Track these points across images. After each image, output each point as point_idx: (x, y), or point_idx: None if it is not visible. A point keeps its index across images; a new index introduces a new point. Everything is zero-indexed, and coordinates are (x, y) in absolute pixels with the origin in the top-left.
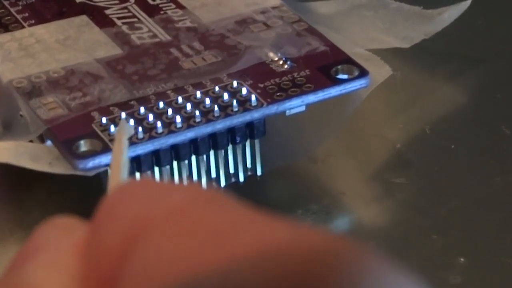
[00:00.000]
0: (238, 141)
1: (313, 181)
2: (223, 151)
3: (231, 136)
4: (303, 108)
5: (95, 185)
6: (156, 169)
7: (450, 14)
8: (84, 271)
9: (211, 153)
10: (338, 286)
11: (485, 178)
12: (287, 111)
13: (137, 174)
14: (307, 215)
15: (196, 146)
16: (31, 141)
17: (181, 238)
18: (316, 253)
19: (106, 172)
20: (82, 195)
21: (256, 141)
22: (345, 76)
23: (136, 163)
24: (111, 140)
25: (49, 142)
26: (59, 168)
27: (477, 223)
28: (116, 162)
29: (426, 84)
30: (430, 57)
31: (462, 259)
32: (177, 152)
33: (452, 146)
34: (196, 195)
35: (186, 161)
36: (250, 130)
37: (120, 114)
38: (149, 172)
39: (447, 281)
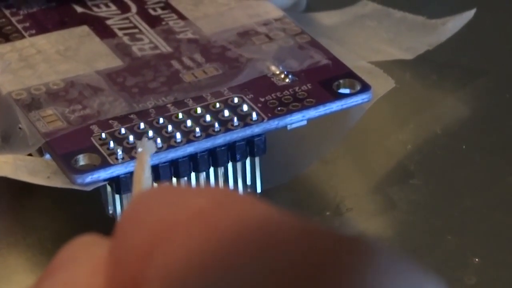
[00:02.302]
0: (238, 159)
1: (323, 183)
2: (222, 168)
3: (231, 153)
4: (304, 122)
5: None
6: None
7: (454, 24)
8: (105, 283)
9: (211, 170)
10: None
11: (497, 178)
12: (289, 126)
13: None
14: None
15: (195, 163)
16: (30, 154)
17: (203, 239)
18: (334, 253)
19: (105, 186)
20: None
21: (256, 159)
22: (347, 91)
23: None
24: (110, 155)
25: (48, 156)
26: (57, 182)
27: (491, 223)
28: (138, 181)
29: (437, 86)
30: (438, 64)
31: (476, 259)
32: (177, 169)
33: (464, 147)
34: (218, 196)
35: (186, 178)
36: (251, 148)
37: (120, 128)
38: None
39: (462, 281)
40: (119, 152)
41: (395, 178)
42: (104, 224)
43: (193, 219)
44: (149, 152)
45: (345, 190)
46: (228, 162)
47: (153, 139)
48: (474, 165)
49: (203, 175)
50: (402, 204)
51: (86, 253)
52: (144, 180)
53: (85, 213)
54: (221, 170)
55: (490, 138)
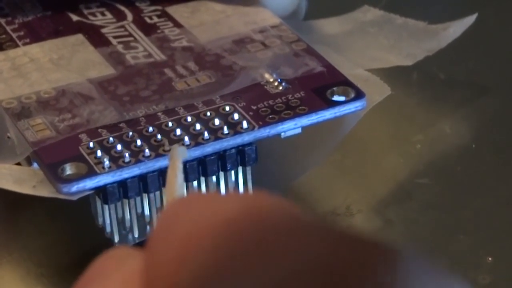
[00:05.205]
0: (228, 168)
1: (332, 184)
2: (214, 178)
3: (222, 162)
4: (299, 130)
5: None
6: (145, 195)
7: (455, 30)
8: None
9: (202, 180)
10: None
11: (508, 177)
12: (283, 134)
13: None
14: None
15: (185, 172)
16: (19, 163)
17: (228, 248)
18: (360, 258)
19: (95, 197)
20: (80, 214)
21: (248, 168)
22: (340, 98)
23: (123, 188)
24: (97, 164)
25: (36, 165)
26: (43, 191)
27: (503, 222)
28: (171, 187)
29: (445, 86)
30: (446, 63)
31: (490, 259)
32: (165, 178)
33: (473, 146)
34: (246, 203)
35: None
36: (241, 157)
37: (109, 137)
38: (138, 198)
39: (476, 281)
40: (106, 161)
41: (405, 178)
42: (97, 236)
43: (218, 228)
44: (181, 158)
45: (355, 191)
46: (219, 171)
47: (185, 145)
48: (485, 164)
49: (193, 185)
50: (413, 203)
51: (118, 267)
52: (177, 187)
53: (78, 224)
54: (211, 180)
55: (500, 137)
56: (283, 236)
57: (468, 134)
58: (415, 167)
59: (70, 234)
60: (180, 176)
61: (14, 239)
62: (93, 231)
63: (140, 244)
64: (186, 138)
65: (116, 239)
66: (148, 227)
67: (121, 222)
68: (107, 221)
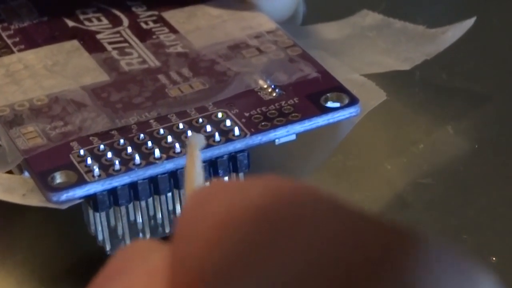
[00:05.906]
0: (221, 175)
1: (335, 184)
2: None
3: (214, 169)
4: (293, 137)
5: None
6: (137, 203)
7: (453, 33)
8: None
9: None
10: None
11: (511, 177)
12: (277, 141)
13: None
14: None
15: (176, 180)
16: (11, 171)
17: (263, 237)
18: (387, 248)
19: (87, 206)
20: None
21: (241, 175)
22: (334, 104)
23: (113, 196)
24: (87, 172)
25: (27, 173)
26: (33, 200)
27: (506, 221)
28: (189, 176)
29: (447, 85)
30: (448, 63)
31: (494, 258)
32: (156, 186)
33: (476, 146)
34: (271, 189)
35: (165, 196)
36: (234, 164)
37: (99, 145)
38: (128, 205)
39: None
40: (96, 169)
41: (408, 178)
42: (93, 243)
43: (245, 216)
44: (199, 146)
45: (358, 192)
46: (211, 178)
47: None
48: (488, 164)
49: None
50: (416, 204)
51: (143, 260)
52: (195, 176)
53: (75, 231)
54: None
55: (503, 137)
56: (310, 223)
57: (471, 135)
58: (418, 168)
59: (68, 241)
60: (199, 164)
61: (16, 240)
62: (91, 238)
63: None
64: (177, 146)
65: (108, 247)
66: (140, 234)
67: (113, 230)
68: (99, 228)
